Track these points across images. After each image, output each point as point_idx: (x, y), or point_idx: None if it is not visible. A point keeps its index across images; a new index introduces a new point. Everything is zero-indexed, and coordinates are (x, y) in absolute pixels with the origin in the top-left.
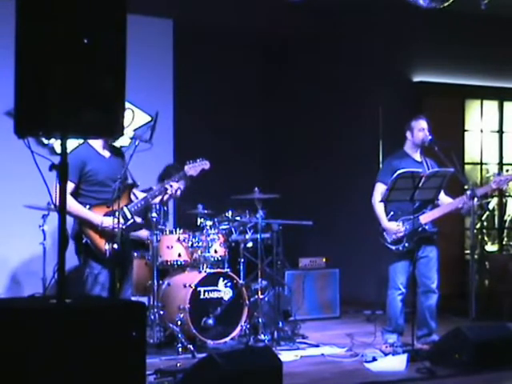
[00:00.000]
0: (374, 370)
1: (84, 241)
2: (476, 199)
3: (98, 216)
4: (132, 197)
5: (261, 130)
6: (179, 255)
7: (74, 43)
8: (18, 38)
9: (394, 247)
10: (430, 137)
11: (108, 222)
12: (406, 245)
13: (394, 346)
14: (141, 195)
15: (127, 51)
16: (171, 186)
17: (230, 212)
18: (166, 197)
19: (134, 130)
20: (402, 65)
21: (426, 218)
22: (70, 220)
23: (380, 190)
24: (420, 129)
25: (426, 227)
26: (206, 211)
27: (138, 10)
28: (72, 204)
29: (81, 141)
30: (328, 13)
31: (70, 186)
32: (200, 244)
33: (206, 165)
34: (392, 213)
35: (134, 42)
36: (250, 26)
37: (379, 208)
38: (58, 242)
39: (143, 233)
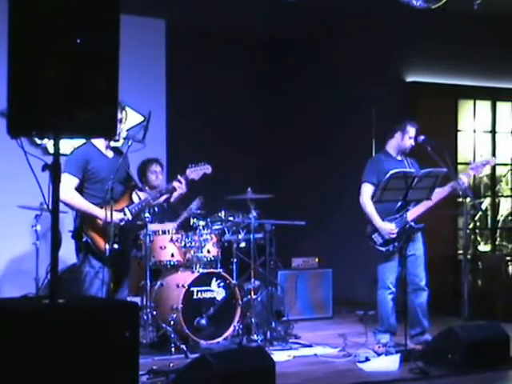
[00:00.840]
0: (367, 370)
1: (84, 239)
2: (469, 199)
3: (103, 211)
4: (135, 198)
5: (254, 130)
6: (172, 255)
7: (66, 43)
8: (11, 38)
9: (383, 249)
10: (422, 137)
11: (116, 216)
12: (396, 244)
13: (386, 346)
14: (143, 197)
15: (120, 51)
16: (180, 181)
17: (223, 212)
18: (175, 194)
19: (127, 130)
20: (396, 65)
21: (410, 214)
22: (66, 217)
23: (368, 190)
24: (411, 136)
25: (412, 224)
26: (198, 211)
27: (130, 11)
28: (80, 200)
29: (83, 140)
30: (323, 13)
31: (75, 181)
32: (193, 244)
33: (208, 169)
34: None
35: (127, 42)
36: (244, 26)
37: (371, 208)
38: (51, 242)
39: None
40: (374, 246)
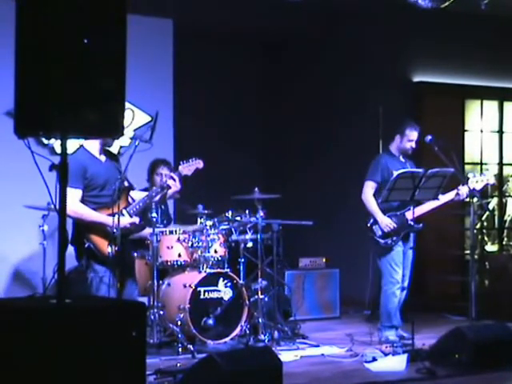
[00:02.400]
0: (374, 370)
1: (86, 245)
2: (476, 199)
3: (110, 218)
4: (130, 200)
5: (261, 129)
6: (179, 255)
7: (73, 43)
8: (18, 38)
9: (383, 241)
10: (429, 137)
11: (123, 221)
12: (394, 238)
13: (394, 345)
14: (137, 197)
15: (127, 51)
16: (173, 179)
17: (230, 212)
18: (170, 191)
19: (134, 130)
20: (402, 65)
21: (415, 212)
22: (68, 224)
23: (370, 187)
24: (410, 139)
25: (412, 223)
26: (206, 211)
27: (137, 10)
28: (88, 211)
29: (77, 144)
30: (328, 13)
31: (78, 193)
32: (200, 244)
33: (200, 164)
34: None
35: (134, 42)
36: (250, 26)
37: (373, 203)
38: (58, 242)
39: (145, 231)
40: (374, 237)
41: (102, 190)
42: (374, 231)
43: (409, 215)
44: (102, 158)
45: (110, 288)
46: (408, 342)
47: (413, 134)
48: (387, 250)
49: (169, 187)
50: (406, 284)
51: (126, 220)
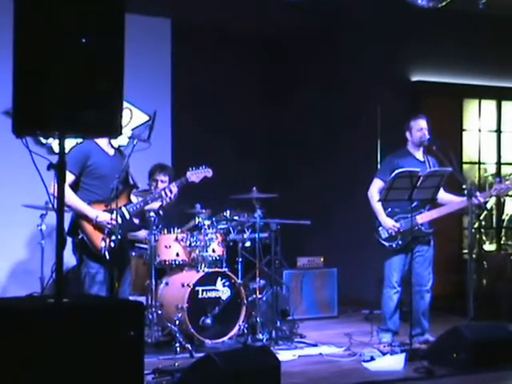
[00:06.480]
0: (372, 370)
1: (80, 237)
2: (476, 200)
3: (93, 210)
4: (133, 198)
5: (259, 129)
6: (177, 255)
7: (72, 43)
8: (17, 38)
9: (387, 244)
10: (428, 136)
11: (103, 217)
12: (400, 243)
13: (391, 345)
14: (139, 198)
15: (125, 50)
16: (171, 191)
17: (228, 211)
18: (165, 202)
19: (132, 130)
20: (401, 64)
21: (423, 218)
22: (67, 216)
23: (377, 185)
24: (418, 129)
25: (422, 228)
26: (204, 210)
27: (136, 10)
28: (69, 195)
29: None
30: (327, 13)
31: (70, 177)
32: (198, 243)
33: (209, 172)
34: (389, 209)
35: (132, 42)
36: (248, 26)
37: (377, 203)
38: (56, 241)
39: (141, 233)
40: (379, 240)
41: (106, 182)
42: (379, 233)
43: (420, 219)
44: (111, 151)
45: (102, 286)
46: (406, 341)
47: (418, 123)
48: (390, 253)
49: (161, 197)
50: (428, 285)
51: (106, 217)
